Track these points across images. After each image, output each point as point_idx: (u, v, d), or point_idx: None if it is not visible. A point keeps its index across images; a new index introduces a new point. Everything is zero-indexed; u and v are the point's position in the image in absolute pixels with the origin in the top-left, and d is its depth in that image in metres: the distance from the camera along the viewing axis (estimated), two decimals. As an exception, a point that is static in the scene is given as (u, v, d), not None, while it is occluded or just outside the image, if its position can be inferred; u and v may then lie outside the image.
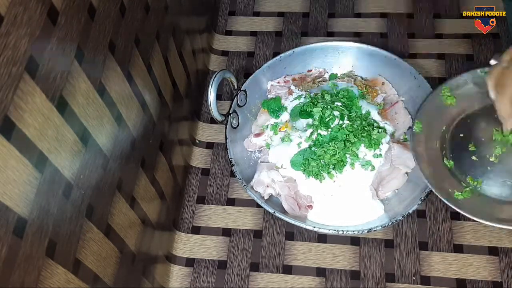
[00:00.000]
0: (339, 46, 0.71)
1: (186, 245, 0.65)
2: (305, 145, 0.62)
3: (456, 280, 0.59)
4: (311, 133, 0.62)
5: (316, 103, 0.64)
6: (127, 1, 0.45)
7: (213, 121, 0.73)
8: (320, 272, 0.62)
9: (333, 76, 0.72)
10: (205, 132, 0.74)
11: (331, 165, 0.60)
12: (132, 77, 0.47)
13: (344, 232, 0.56)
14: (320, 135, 0.61)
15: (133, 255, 0.51)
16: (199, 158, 0.72)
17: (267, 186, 0.62)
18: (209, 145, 0.73)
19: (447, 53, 0.75)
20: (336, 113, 0.62)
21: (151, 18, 0.51)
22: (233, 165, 0.62)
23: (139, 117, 0.51)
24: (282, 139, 0.64)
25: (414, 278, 0.60)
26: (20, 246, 0.31)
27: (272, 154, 0.64)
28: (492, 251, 0.60)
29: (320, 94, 0.66)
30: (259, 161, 0.66)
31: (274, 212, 0.57)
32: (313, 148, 0.61)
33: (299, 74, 0.72)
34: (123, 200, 0.47)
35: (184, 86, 0.66)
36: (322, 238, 0.64)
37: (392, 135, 0.64)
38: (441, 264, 0.60)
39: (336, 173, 0.60)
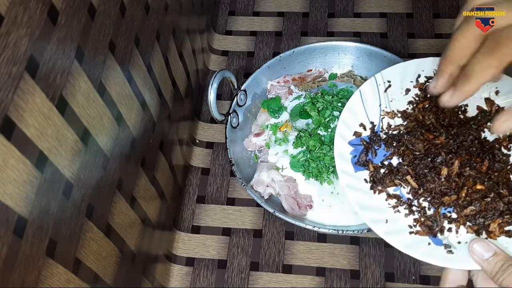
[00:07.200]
0: (338, 46, 0.71)
1: (186, 244, 0.66)
2: (295, 151, 0.62)
3: (456, 280, 0.59)
4: (299, 138, 0.62)
5: (316, 103, 0.64)
6: (127, 1, 0.45)
7: (213, 121, 0.73)
8: (320, 271, 0.62)
9: (333, 76, 0.72)
10: (205, 132, 0.74)
11: (330, 167, 0.60)
12: (132, 77, 0.47)
13: (344, 232, 0.56)
14: (316, 139, 0.61)
15: (133, 254, 0.51)
16: (199, 157, 0.72)
17: (267, 186, 0.62)
18: (209, 145, 0.73)
19: (447, 53, 0.75)
20: (336, 113, 0.62)
21: (151, 18, 0.52)
22: (233, 164, 0.62)
23: (139, 117, 0.51)
24: (279, 142, 0.64)
25: (413, 277, 0.60)
26: (20, 246, 0.31)
27: (272, 154, 0.64)
28: (492, 250, 0.60)
29: (320, 94, 0.66)
30: (259, 161, 0.66)
31: (274, 211, 0.57)
32: (313, 152, 0.61)
33: (299, 74, 0.72)
34: (123, 199, 0.47)
35: (184, 86, 0.67)
36: (322, 237, 0.64)
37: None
38: (440, 263, 0.60)
39: (334, 177, 0.60)
